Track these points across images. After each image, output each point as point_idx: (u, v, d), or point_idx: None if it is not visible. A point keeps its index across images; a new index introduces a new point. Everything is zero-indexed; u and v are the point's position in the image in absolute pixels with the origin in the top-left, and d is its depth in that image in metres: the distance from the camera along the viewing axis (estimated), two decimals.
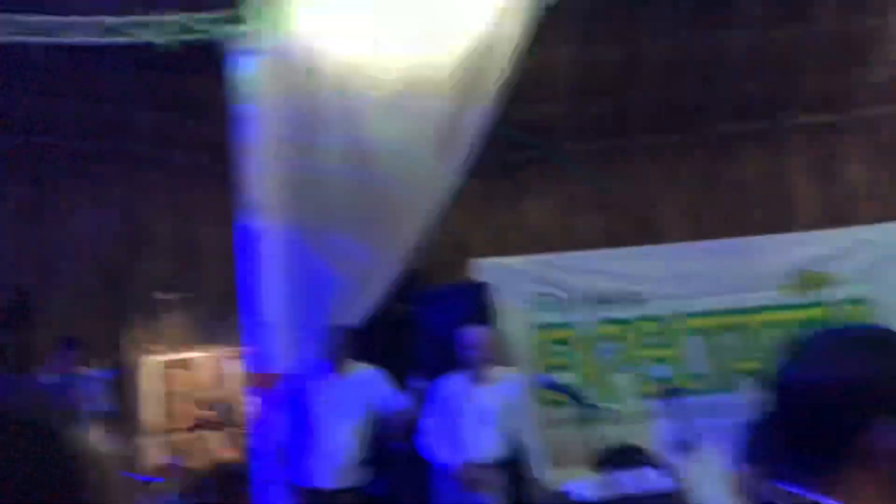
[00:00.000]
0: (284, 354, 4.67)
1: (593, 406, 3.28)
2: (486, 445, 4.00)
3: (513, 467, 4.10)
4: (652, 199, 6.68)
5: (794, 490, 0.94)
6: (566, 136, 6.62)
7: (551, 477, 4.11)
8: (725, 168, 6.61)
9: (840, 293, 4.92)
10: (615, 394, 4.87)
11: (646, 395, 4.92)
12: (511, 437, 4.08)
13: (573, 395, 3.13)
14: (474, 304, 4.55)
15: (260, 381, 4.70)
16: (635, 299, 4.93)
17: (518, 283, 5.00)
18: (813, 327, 4.91)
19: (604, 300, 4.97)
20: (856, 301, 4.89)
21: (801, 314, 4.95)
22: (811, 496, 0.92)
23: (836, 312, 4.92)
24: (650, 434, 4.72)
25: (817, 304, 4.95)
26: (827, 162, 6.53)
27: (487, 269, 5.04)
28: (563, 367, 4.93)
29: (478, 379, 4.08)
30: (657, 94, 6.43)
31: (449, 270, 6.35)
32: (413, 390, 4.35)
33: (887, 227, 5.24)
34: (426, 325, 4.55)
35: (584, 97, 6.44)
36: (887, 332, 0.99)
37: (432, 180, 4.88)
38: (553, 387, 3.56)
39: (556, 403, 4.86)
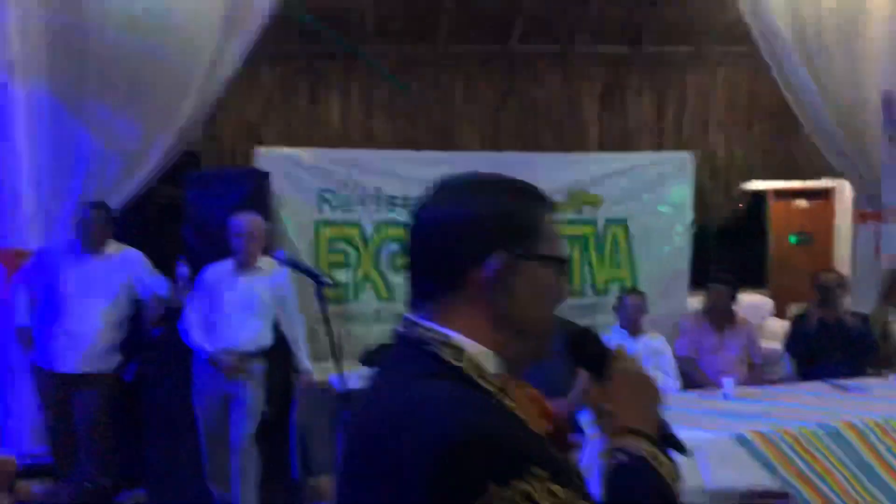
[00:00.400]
0: (35, 229, 4.26)
1: (331, 283, 3.29)
2: (247, 334, 3.93)
3: (275, 357, 4.08)
4: (451, 109, 6.74)
5: (411, 317, 0.99)
6: (372, 34, 6.45)
7: (316, 368, 4.12)
8: (523, 85, 6.78)
9: (605, 213, 5.27)
10: (392, 293, 4.95)
11: None
12: (275, 326, 4.05)
13: (312, 275, 3.10)
14: (252, 192, 4.36)
15: (5, 257, 4.26)
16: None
17: (304, 176, 4.85)
18: (582, 243, 5.33)
19: (392, 202, 4.96)
20: (616, 221, 5.28)
21: (574, 230, 5.26)
22: (420, 321, 0.97)
23: (601, 231, 5.29)
24: None
25: (587, 222, 5.29)
26: (614, 91, 6.90)
27: (272, 158, 4.84)
28: (342, 265, 4.91)
29: (244, 267, 3.97)
30: (466, 4, 6.41)
31: (238, 159, 6.09)
32: (179, 276, 4.15)
33: (651, 155, 5.66)
34: (197, 210, 4.31)
35: None
36: (508, 178, 1.06)
37: (217, 60, 4.56)
38: (293, 265, 3.51)
39: (328, 299, 4.89)
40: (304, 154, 4.99)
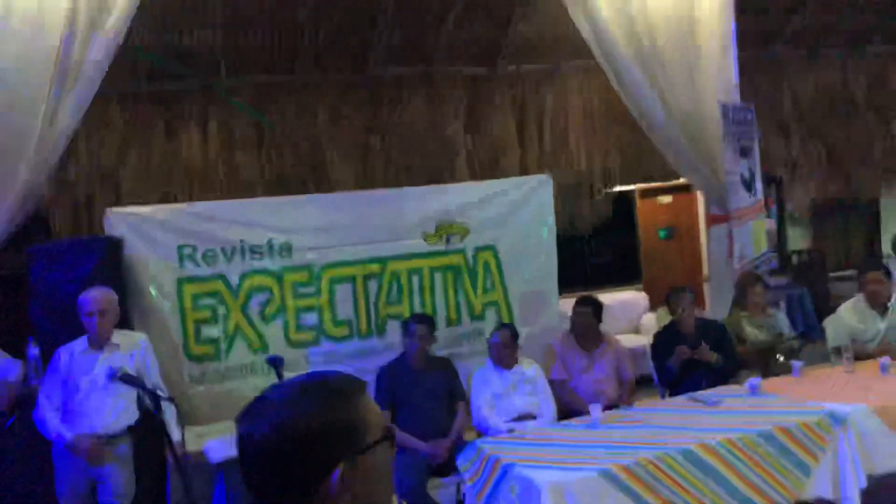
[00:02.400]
0: None
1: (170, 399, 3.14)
2: (109, 416, 3.75)
3: (142, 433, 3.90)
4: (318, 140, 6.65)
5: None
6: (226, 66, 6.27)
7: (190, 436, 3.96)
8: (388, 111, 6.78)
9: (475, 241, 5.34)
10: (265, 343, 4.85)
11: (296, 344, 4.97)
12: (140, 401, 3.87)
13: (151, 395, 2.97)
14: (102, 261, 4.14)
15: None
16: (285, 249, 4.88)
17: (161, 233, 4.63)
18: (454, 273, 5.38)
19: (256, 251, 4.85)
20: (484, 247, 5.36)
21: (443, 261, 5.30)
22: None
23: (471, 259, 5.36)
24: None
25: (457, 251, 5.34)
26: (476, 111, 7.01)
27: (125, 218, 4.61)
28: (210, 321, 4.76)
29: (99, 345, 3.78)
30: (323, 32, 6.33)
31: (95, 209, 5.78)
32: (29, 357, 3.90)
33: (515, 181, 5.77)
34: (44, 285, 4.06)
35: (243, 26, 6.13)
36: (326, 379, 1.10)
37: (54, 113, 4.28)
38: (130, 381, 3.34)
39: (199, 358, 4.74)
40: (159, 211, 4.79)
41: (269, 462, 1.02)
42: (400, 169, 6.77)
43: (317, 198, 5.25)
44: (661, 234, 9.34)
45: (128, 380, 3.24)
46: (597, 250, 9.08)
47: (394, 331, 5.06)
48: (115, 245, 4.36)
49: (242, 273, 4.80)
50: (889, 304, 4.86)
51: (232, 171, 6.43)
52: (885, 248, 8.75)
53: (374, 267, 5.11)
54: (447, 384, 4.53)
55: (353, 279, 5.07)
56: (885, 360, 4.42)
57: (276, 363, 3.41)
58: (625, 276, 9.01)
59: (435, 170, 6.80)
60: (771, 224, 9.43)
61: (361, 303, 5.10)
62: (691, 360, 4.64)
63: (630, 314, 8.05)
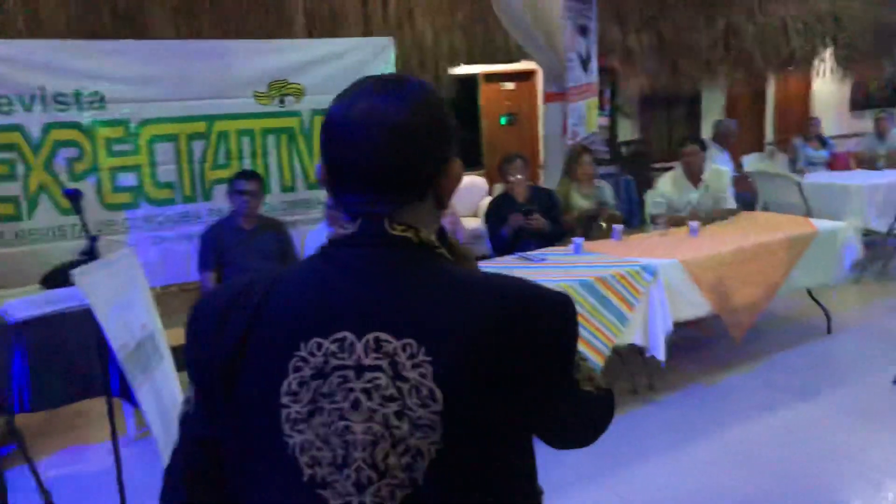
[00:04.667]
0: None
1: None
2: None
3: None
4: None
5: (384, 217, 0.99)
6: None
7: None
8: None
9: (311, 103, 5.09)
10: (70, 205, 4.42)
11: (112, 206, 4.59)
12: None
13: None
14: None
15: None
16: (96, 100, 4.41)
17: None
18: (288, 136, 5.14)
19: (58, 100, 4.33)
20: (323, 111, 5.11)
21: (277, 122, 5.03)
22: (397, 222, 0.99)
23: (308, 122, 5.12)
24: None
25: (292, 114, 5.07)
26: None
27: None
28: (8, 177, 4.26)
29: None
30: None
31: None
32: None
33: (353, 41, 5.52)
34: None
35: None
36: (419, 80, 1.05)
37: None
38: None
39: None
40: None
41: (411, 144, 0.97)
42: (229, 31, 6.28)
43: (132, 44, 4.69)
44: (503, 120, 9.45)
45: None
46: None
47: (222, 195, 4.79)
48: None
49: (45, 124, 4.30)
50: (703, 177, 5.21)
51: (33, 21, 5.68)
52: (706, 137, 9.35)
53: (199, 126, 4.76)
54: (279, 245, 4.38)
55: (175, 138, 4.70)
56: (695, 224, 4.76)
57: (73, 196, 3.03)
58: (467, 160, 9.06)
59: (271, 36, 6.37)
60: (605, 120, 9.82)
61: (185, 164, 4.76)
62: (522, 227, 4.75)
63: (471, 198, 8.17)
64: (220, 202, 4.75)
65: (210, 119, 4.78)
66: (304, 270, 1.01)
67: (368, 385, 0.91)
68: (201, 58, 4.77)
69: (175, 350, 3.13)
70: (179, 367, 3.05)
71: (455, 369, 0.91)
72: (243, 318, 0.96)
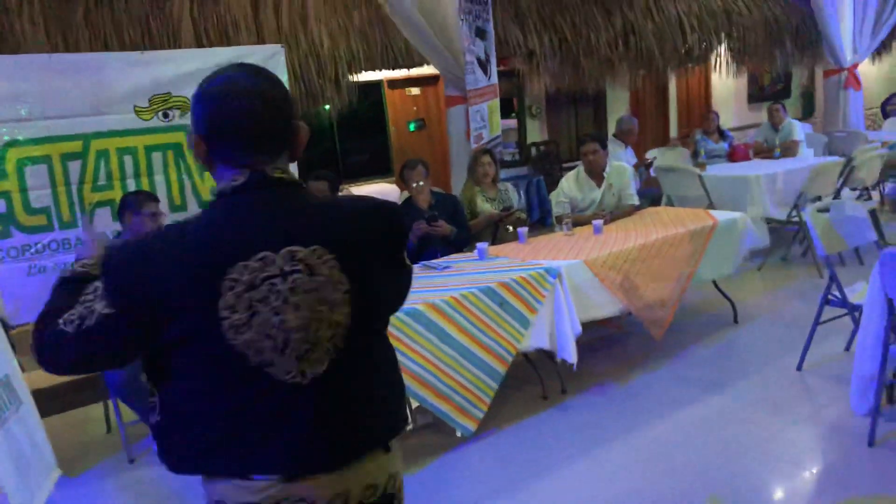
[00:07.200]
0: None
1: None
2: None
3: None
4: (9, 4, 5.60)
5: (268, 168, 1.34)
6: None
7: None
8: None
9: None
10: None
11: None
12: None
13: None
14: None
15: None
16: None
17: None
18: (175, 152, 4.85)
19: None
20: None
21: (162, 138, 4.74)
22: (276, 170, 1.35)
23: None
24: None
25: (177, 129, 4.78)
26: None
27: None
28: None
29: None
30: None
31: None
32: None
33: (239, 49, 5.28)
34: None
35: None
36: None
37: None
38: None
39: None
40: None
41: (278, 112, 1.32)
42: (111, 43, 5.93)
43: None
44: (412, 126, 9.33)
45: None
46: (349, 140, 8.86)
47: (105, 220, 4.48)
48: None
49: None
50: (605, 174, 5.19)
51: None
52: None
53: (74, 145, 4.42)
54: None
55: (47, 160, 4.35)
56: (598, 222, 4.73)
57: None
58: (377, 168, 8.92)
59: (154, 47, 6.06)
60: (513, 123, 9.83)
61: (61, 187, 4.42)
62: (427, 234, 4.62)
63: None
64: (103, 227, 4.44)
65: (86, 137, 4.46)
66: (212, 215, 1.28)
67: (293, 285, 1.24)
68: (74, 72, 4.44)
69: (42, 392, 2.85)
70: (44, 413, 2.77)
71: (351, 259, 1.30)
72: (167, 257, 1.21)
